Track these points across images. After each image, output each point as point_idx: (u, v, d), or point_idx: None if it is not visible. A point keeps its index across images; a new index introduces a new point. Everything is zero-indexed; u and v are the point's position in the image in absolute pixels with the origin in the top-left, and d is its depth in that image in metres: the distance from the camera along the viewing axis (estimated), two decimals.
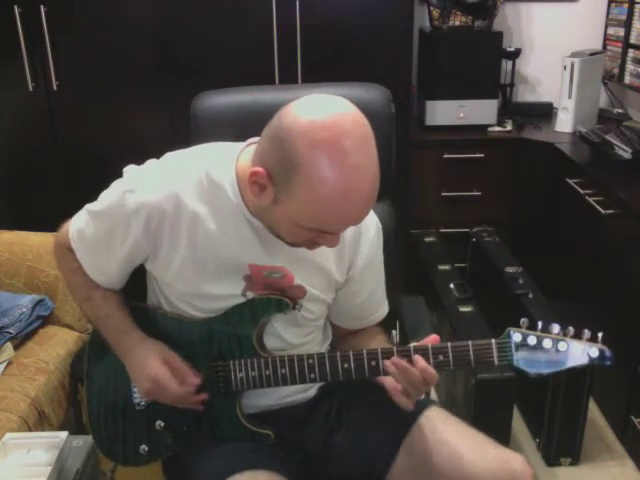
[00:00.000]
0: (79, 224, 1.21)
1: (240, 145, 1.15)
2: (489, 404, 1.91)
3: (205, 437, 1.25)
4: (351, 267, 1.25)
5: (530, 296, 2.20)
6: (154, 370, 1.17)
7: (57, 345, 1.92)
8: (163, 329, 1.24)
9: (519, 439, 2.22)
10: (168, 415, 1.24)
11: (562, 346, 1.10)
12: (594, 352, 1.10)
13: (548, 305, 2.15)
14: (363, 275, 1.27)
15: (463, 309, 2.17)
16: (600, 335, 1.10)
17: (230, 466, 1.16)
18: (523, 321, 1.12)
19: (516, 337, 1.12)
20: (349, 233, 1.21)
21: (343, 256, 1.23)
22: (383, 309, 1.38)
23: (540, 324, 1.12)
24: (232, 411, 1.23)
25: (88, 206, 1.20)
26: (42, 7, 2.33)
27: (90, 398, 1.31)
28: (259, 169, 1.01)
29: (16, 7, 2.33)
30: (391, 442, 1.23)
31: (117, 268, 1.21)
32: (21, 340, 1.90)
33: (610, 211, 2.10)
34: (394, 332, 1.59)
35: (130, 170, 1.19)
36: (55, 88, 2.44)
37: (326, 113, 0.97)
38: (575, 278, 2.46)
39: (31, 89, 2.43)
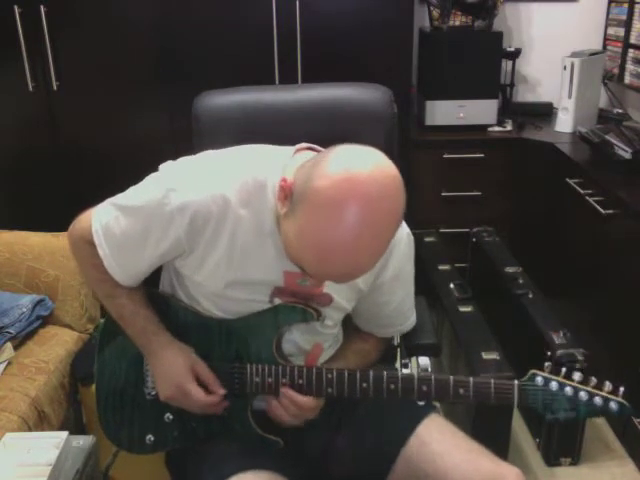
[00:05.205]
0: (106, 218, 1.16)
1: (287, 150, 1.14)
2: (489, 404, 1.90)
3: (212, 435, 1.24)
4: (378, 277, 1.23)
5: (530, 296, 2.20)
6: (181, 378, 1.17)
7: (57, 345, 1.92)
8: (183, 322, 1.23)
9: (519, 439, 2.22)
10: (178, 409, 1.23)
11: (583, 395, 1.10)
12: (614, 405, 1.10)
13: (548, 305, 2.15)
14: (393, 286, 1.26)
15: (463, 309, 2.17)
16: (622, 389, 1.11)
17: (234, 465, 1.16)
18: (547, 365, 1.13)
19: (539, 381, 1.12)
20: None
21: None
22: (411, 320, 1.37)
23: (564, 370, 1.12)
24: (244, 413, 1.22)
25: (116, 200, 1.17)
26: (42, 7, 2.33)
27: (100, 379, 1.30)
28: (290, 178, 1.01)
29: (16, 7, 2.33)
30: (389, 450, 1.23)
31: (146, 265, 1.18)
32: (21, 340, 1.89)
33: (610, 211, 2.10)
34: None
35: (169, 167, 1.15)
36: (55, 88, 2.44)
37: (362, 172, 0.94)
38: (575, 278, 2.46)
39: (31, 89, 2.43)
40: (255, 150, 1.17)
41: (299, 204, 0.97)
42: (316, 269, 1.00)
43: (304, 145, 1.14)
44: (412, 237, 1.27)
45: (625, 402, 1.10)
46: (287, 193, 1.00)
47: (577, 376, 1.12)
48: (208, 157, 1.16)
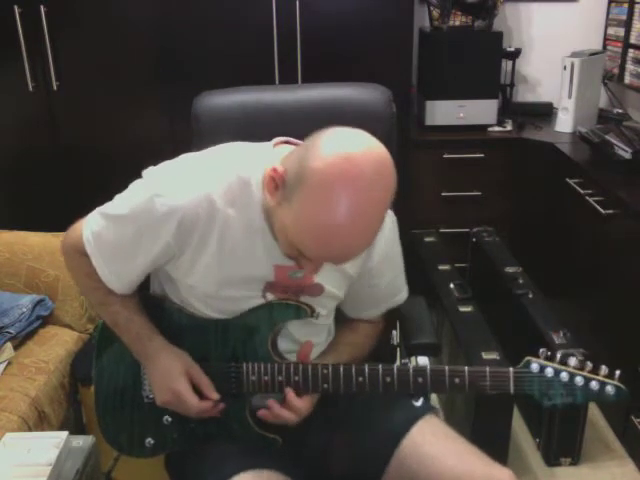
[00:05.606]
0: (96, 228, 1.17)
1: (265, 145, 1.14)
2: (489, 404, 1.91)
3: (211, 436, 1.24)
4: (367, 261, 1.24)
5: (530, 296, 2.20)
6: (177, 384, 1.17)
7: (57, 345, 1.92)
8: (178, 325, 1.23)
9: (519, 439, 2.22)
10: (176, 411, 1.23)
11: (579, 380, 1.10)
12: (610, 389, 1.09)
13: (548, 305, 2.15)
14: (381, 268, 1.27)
15: (463, 309, 2.17)
16: (617, 373, 1.11)
17: (234, 465, 1.16)
18: (542, 351, 1.12)
19: (534, 368, 1.12)
20: None
21: None
22: (402, 294, 1.38)
23: (559, 355, 1.12)
24: (242, 413, 1.22)
25: (104, 209, 1.17)
26: (42, 7, 2.33)
27: (98, 384, 1.29)
28: (280, 167, 1.01)
29: (16, 7, 2.33)
30: (384, 451, 1.23)
31: (139, 272, 1.18)
32: (21, 340, 1.89)
33: (610, 211, 2.10)
34: (394, 332, 1.59)
35: (151, 173, 1.15)
36: (55, 88, 2.44)
37: (357, 152, 0.96)
38: (575, 278, 2.46)
39: (31, 89, 2.43)
40: (235, 148, 1.17)
41: (295, 189, 0.98)
42: (316, 251, 1.01)
43: (282, 139, 1.14)
44: (395, 218, 1.28)
45: (622, 385, 1.10)
46: (279, 182, 1.01)
47: (573, 361, 1.11)
48: (189, 160, 1.16)
